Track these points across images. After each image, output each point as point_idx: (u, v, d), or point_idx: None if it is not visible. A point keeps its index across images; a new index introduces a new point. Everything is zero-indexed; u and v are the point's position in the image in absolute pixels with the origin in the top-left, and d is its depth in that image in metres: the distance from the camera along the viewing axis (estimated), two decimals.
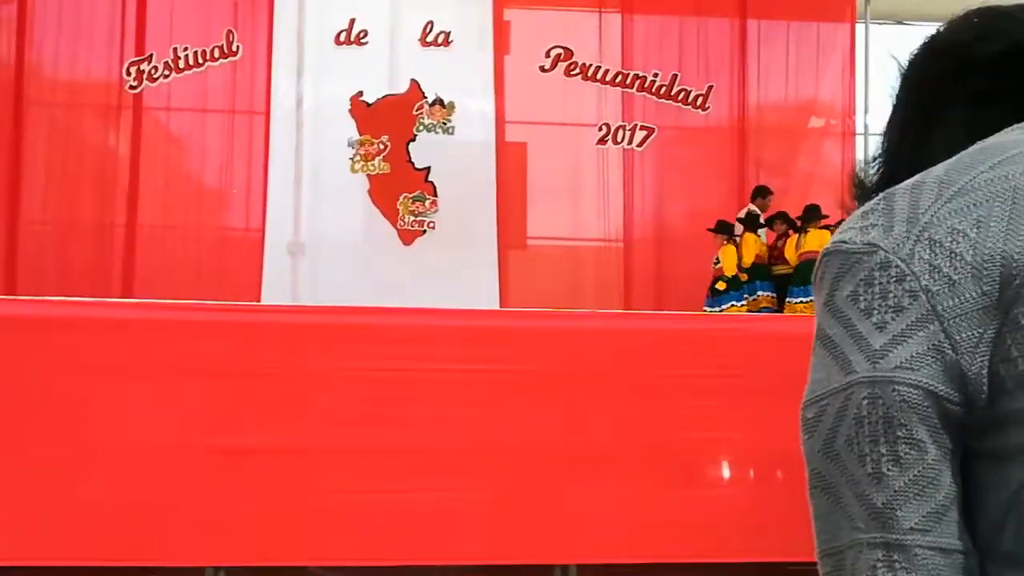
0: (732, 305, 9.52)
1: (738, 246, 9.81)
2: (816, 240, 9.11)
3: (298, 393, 6.55)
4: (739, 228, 10.10)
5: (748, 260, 9.71)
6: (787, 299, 9.21)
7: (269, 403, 6.61)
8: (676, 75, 11.17)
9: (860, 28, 11.51)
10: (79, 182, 10.69)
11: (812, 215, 9.52)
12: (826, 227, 9.25)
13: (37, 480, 6.21)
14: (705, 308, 9.65)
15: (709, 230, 9.91)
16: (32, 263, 10.41)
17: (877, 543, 0.84)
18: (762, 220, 10.08)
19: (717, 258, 9.72)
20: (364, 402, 6.58)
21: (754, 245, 9.80)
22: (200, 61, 10.81)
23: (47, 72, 10.84)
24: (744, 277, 9.65)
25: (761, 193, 10.37)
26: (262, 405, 6.59)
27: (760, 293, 9.60)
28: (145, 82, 10.75)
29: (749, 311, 9.37)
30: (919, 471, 0.84)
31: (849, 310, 0.87)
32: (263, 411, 6.59)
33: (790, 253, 9.21)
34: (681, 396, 6.58)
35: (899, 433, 0.84)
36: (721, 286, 9.67)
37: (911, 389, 0.84)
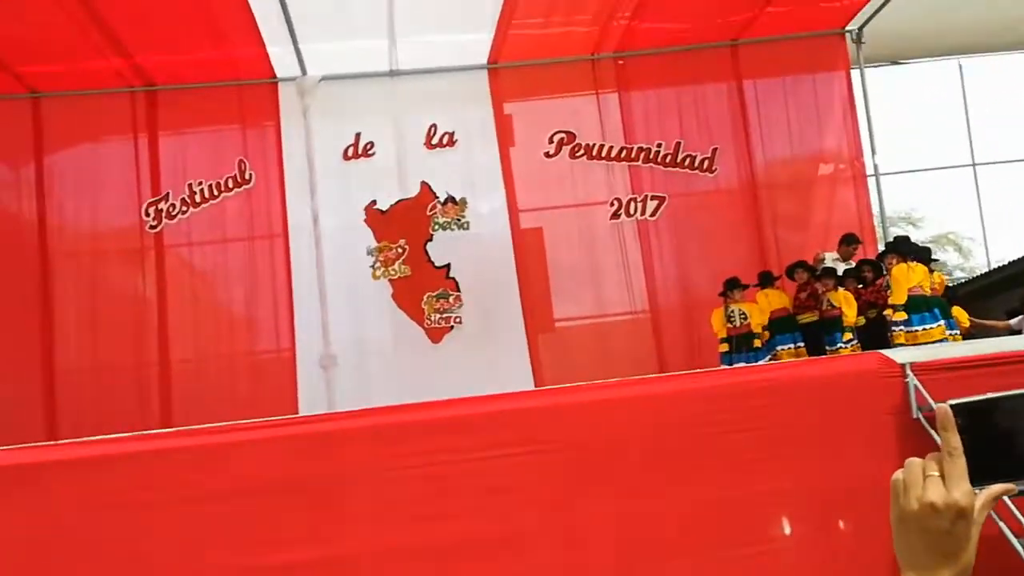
0: (741, 366, 9.35)
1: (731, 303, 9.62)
2: (922, 273, 8.80)
3: (342, 499, 6.52)
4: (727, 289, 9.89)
5: (764, 317, 9.57)
6: (836, 345, 9.02)
7: (314, 513, 6.59)
8: (680, 142, 11.30)
9: (856, 72, 11.62)
10: (110, 326, 10.85)
11: (910, 246, 9.25)
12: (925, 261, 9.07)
13: None
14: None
15: (754, 285, 9.84)
16: (71, 410, 10.53)
17: None
18: (842, 268, 9.75)
19: (744, 312, 9.60)
20: (411, 501, 6.54)
21: (770, 300, 9.65)
22: (216, 193, 11.08)
23: (69, 224, 11.12)
24: (766, 335, 9.51)
25: (847, 241, 10.19)
26: (311, 517, 6.57)
27: (780, 348, 9.42)
28: (164, 220, 11.02)
29: None
30: None
31: None
32: (313, 523, 6.57)
33: (903, 282, 8.65)
34: (727, 454, 6.50)
35: None
36: (723, 347, 9.57)
37: None
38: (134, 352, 10.83)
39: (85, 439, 7.24)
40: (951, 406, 1.03)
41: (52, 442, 8.09)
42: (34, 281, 10.88)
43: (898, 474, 1.06)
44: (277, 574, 6.33)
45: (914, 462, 1.06)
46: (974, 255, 21.72)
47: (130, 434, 7.14)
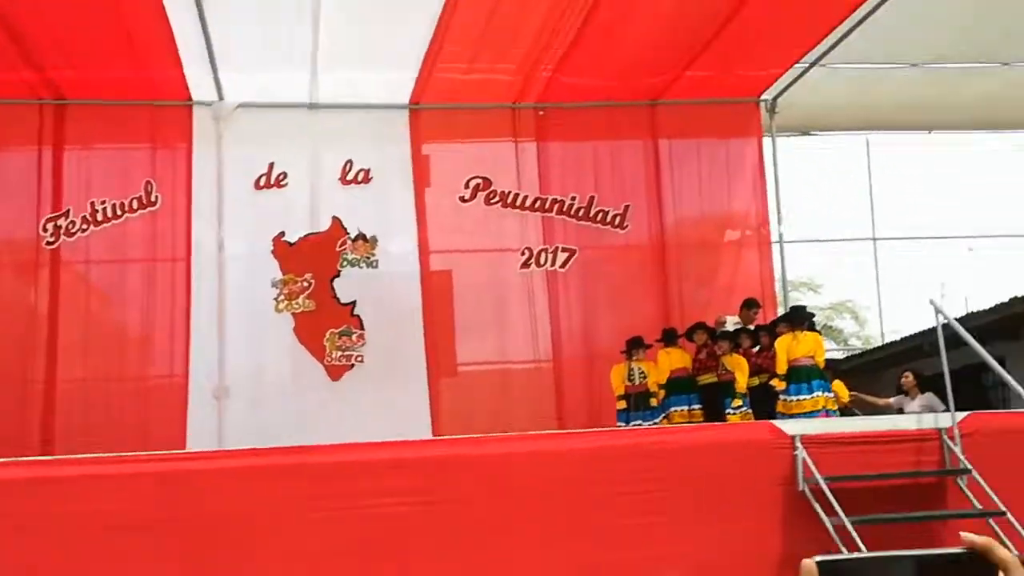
0: (637, 424, 9.41)
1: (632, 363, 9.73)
2: (812, 342, 9.00)
3: (218, 540, 6.36)
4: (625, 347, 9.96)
5: (663, 375, 9.66)
6: (726, 410, 9.13)
7: (197, 551, 6.41)
8: (593, 197, 11.41)
9: (767, 141, 11.92)
10: None
11: (802, 316, 9.43)
12: (811, 329, 9.24)
13: None
14: (617, 425, 9.56)
15: (656, 341, 9.92)
16: None
17: None
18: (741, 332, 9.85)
19: (643, 371, 9.68)
20: (293, 543, 6.41)
21: (671, 359, 9.75)
22: (119, 213, 10.79)
23: None
24: (661, 394, 9.59)
25: (748, 305, 10.30)
26: (190, 554, 6.38)
27: (673, 409, 9.48)
28: (63, 237, 10.68)
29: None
30: None
31: None
32: (192, 560, 6.38)
33: (782, 354, 8.79)
34: (617, 515, 6.52)
35: None
36: (621, 404, 9.64)
37: None
38: (19, 367, 10.45)
39: None
40: (818, 563, 0.98)
41: None
42: None
43: None
44: None
45: None
46: (870, 324, 22.38)
47: (12, 459, 6.88)
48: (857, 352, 16.94)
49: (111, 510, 6.47)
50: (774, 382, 8.92)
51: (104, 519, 6.45)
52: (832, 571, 1.00)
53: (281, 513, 6.58)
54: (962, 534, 1.01)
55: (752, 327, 9.92)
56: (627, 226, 11.44)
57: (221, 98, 10.90)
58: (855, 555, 1.05)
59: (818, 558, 1.01)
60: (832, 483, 6.25)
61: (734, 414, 9.10)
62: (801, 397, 8.59)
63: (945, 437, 6.71)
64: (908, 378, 9.94)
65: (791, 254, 12.35)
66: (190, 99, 10.96)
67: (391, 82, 10.80)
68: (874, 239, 13.94)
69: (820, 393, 8.65)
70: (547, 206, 11.38)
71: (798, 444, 6.57)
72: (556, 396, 10.92)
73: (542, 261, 11.26)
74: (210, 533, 6.52)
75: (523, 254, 11.26)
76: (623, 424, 9.43)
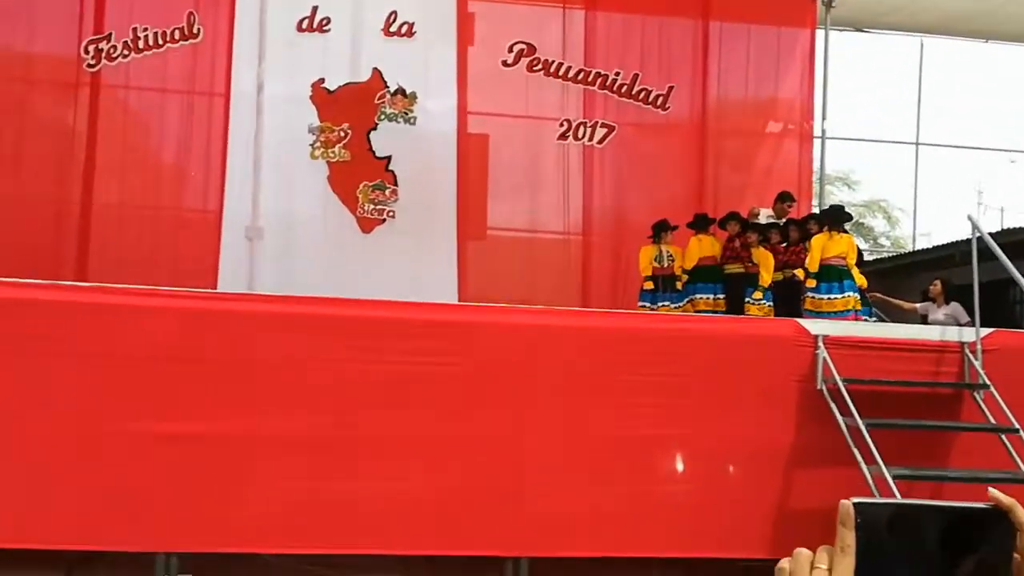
0: (664, 305, 9.56)
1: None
2: (845, 244, 8.98)
3: (250, 381, 6.55)
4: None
5: (690, 262, 9.74)
6: (746, 299, 9.22)
7: (221, 390, 6.60)
8: (637, 74, 11.25)
9: (820, 34, 11.66)
10: (35, 157, 10.52)
11: (841, 217, 9.36)
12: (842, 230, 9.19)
13: None
14: (639, 304, 9.68)
15: (688, 225, 9.94)
16: None
17: None
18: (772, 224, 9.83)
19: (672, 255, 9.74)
20: (316, 392, 6.61)
21: (701, 247, 9.80)
22: (160, 42, 10.69)
23: (1, 47, 10.66)
24: (685, 278, 9.68)
25: (782, 198, 10.24)
26: (214, 392, 6.58)
27: (699, 296, 9.59)
28: (104, 61, 10.61)
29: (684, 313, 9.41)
30: None
31: None
32: (215, 398, 6.58)
33: (816, 252, 8.76)
34: (633, 394, 6.69)
35: None
36: (648, 285, 9.73)
37: None
38: (57, 186, 10.54)
39: None
40: (855, 504, 1.01)
41: None
42: None
43: (784, 563, 1.04)
44: (175, 444, 6.36)
45: (802, 553, 1.04)
46: (901, 225, 22.29)
47: (38, 281, 7.01)
48: (887, 256, 16.90)
49: (138, 341, 6.59)
50: (801, 275, 8.95)
51: (131, 350, 6.57)
52: (867, 513, 1.04)
53: (308, 361, 6.71)
54: (989, 490, 1.04)
55: (782, 221, 9.92)
56: (669, 107, 11.31)
57: None
58: (890, 500, 1.09)
59: (855, 500, 1.05)
60: (850, 385, 6.38)
61: (753, 304, 9.19)
62: (832, 296, 8.65)
63: (967, 351, 6.81)
64: (936, 286, 9.95)
65: (830, 147, 12.25)
66: None
67: None
68: (917, 144, 13.76)
69: (851, 294, 8.71)
70: (590, 79, 11.23)
71: (820, 344, 6.68)
72: (583, 269, 11.02)
73: (580, 135, 11.19)
74: (233, 374, 6.67)
75: (561, 125, 11.18)
76: (648, 304, 9.56)
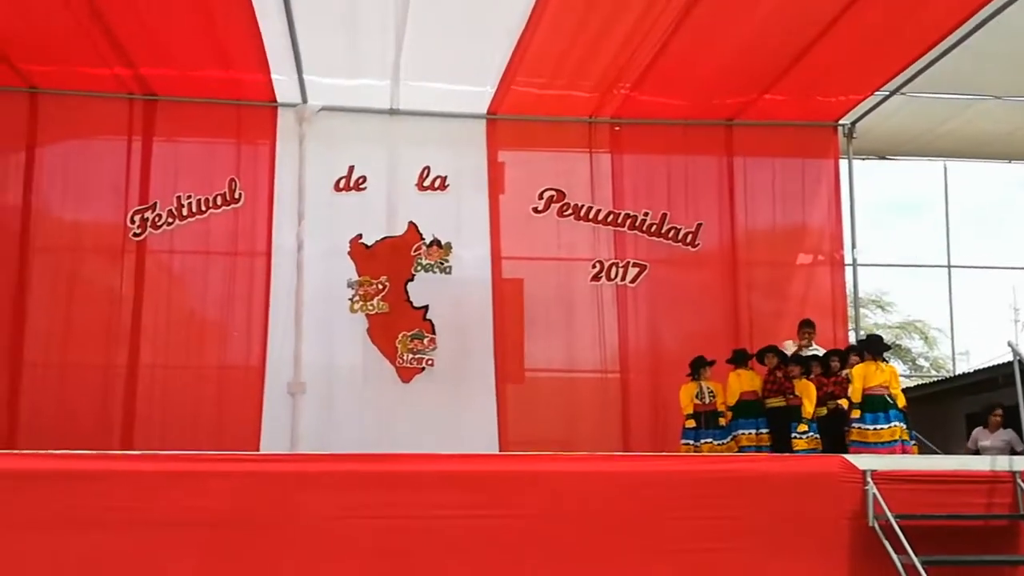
0: (707, 442, 9.48)
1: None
2: (888, 374, 8.89)
3: (298, 542, 6.56)
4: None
5: (732, 398, 9.72)
6: (792, 435, 9.13)
7: (265, 552, 6.62)
8: (666, 214, 11.47)
9: (843, 163, 11.86)
10: (83, 323, 10.80)
11: (880, 347, 9.31)
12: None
13: None
14: (682, 442, 9.63)
15: (727, 361, 9.96)
16: (34, 402, 10.47)
17: None
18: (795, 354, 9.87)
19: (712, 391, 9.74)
20: (365, 551, 6.60)
21: (741, 382, 9.78)
22: (203, 208, 11.10)
23: (53, 218, 11.07)
24: (729, 415, 9.65)
25: (803, 325, 10.29)
26: (258, 553, 6.60)
27: (742, 432, 9.54)
28: (149, 229, 11.01)
29: (727, 451, 9.35)
30: None
31: None
32: (258, 560, 6.60)
33: (858, 382, 8.68)
34: (684, 539, 6.62)
35: None
36: (690, 423, 9.70)
37: None
38: (104, 352, 10.78)
39: (46, 452, 7.20)
40: None
41: (12, 451, 8.06)
42: (11, 271, 10.82)
43: None
44: None
45: None
46: (939, 345, 22.07)
47: (91, 452, 7.16)
48: (928, 381, 16.68)
49: (183, 506, 6.66)
50: (848, 409, 8.84)
51: (175, 515, 6.63)
52: None
53: (348, 519, 6.72)
54: None
55: (822, 352, 9.90)
56: (699, 244, 11.49)
57: (305, 101, 11.16)
58: None
59: None
60: (903, 521, 6.28)
61: (800, 439, 9.09)
62: (879, 427, 8.53)
63: (1019, 480, 6.70)
64: (998, 415, 9.80)
65: (862, 269, 12.29)
66: (275, 100, 11.22)
67: (470, 93, 10.98)
68: (949, 266, 13.80)
69: (897, 423, 8.59)
70: (619, 220, 11.47)
71: (869, 479, 6.61)
72: (622, 407, 11.02)
73: (612, 275, 11.36)
74: (277, 534, 6.69)
75: (594, 267, 11.37)
76: (691, 441, 9.51)
